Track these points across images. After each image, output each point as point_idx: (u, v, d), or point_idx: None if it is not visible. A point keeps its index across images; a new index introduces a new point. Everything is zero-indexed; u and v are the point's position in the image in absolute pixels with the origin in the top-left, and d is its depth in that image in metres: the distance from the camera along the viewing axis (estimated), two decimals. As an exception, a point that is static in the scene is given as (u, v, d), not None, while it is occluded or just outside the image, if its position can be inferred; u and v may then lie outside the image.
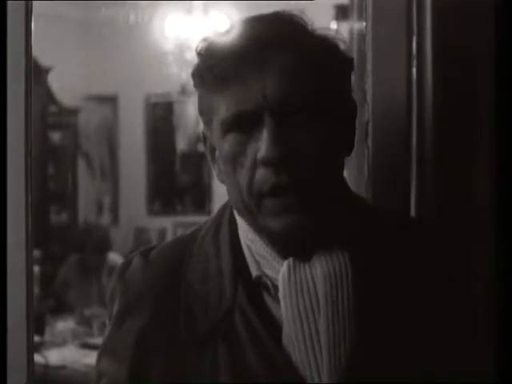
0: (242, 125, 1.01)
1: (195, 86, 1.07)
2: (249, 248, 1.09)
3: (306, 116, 1.01)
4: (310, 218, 1.02)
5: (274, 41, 1.01)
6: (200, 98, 1.07)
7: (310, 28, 1.05)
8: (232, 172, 1.03)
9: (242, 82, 1.00)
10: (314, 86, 1.01)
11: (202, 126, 1.11)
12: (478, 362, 1.11)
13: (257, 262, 1.08)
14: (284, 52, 1.00)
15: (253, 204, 1.02)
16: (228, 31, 1.04)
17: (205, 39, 1.07)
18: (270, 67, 1.00)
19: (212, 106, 1.04)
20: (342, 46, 1.07)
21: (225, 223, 1.13)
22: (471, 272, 1.19)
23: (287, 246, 1.05)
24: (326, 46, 1.05)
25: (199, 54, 1.06)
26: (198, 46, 1.07)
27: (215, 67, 1.01)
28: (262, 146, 0.99)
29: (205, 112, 1.07)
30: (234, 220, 1.12)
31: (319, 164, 1.02)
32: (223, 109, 1.02)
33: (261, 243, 1.07)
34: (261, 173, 1.00)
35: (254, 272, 1.08)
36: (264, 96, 0.99)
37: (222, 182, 1.10)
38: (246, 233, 1.09)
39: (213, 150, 1.10)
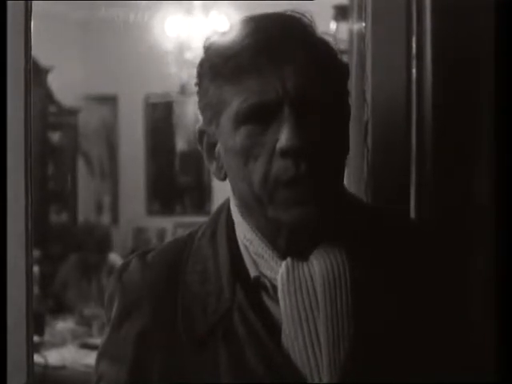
0: (259, 116, 1.01)
1: (204, 79, 1.06)
2: (246, 248, 1.09)
3: (320, 111, 1.02)
4: (319, 210, 1.02)
5: (287, 37, 1.02)
6: (207, 92, 1.06)
7: (314, 29, 1.07)
8: (242, 164, 1.03)
9: (259, 73, 1.00)
10: (325, 84, 1.03)
11: (199, 124, 1.11)
12: (478, 361, 1.11)
13: (255, 263, 1.08)
14: (297, 48, 1.02)
15: (265, 195, 1.02)
16: (239, 27, 1.05)
17: (215, 34, 1.08)
18: (287, 60, 1.01)
19: (224, 99, 1.04)
20: (338, 52, 1.09)
21: (222, 224, 1.13)
22: (471, 271, 1.19)
23: (288, 240, 1.05)
24: (329, 48, 1.07)
25: (210, 47, 1.06)
26: (207, 40, 1.08)
27: (231, 59, 1.02)
28: (282, 136, 1.00)
29: (213, 105, 1.06)
30: (231, 221, 1.12)
31: (333, 157, 1.04)
32: (238, 100, 1.02)
33: (259, 243, 1.07)
34: (279, 163, 1.00)
35: (253, 272, 1.08)
36: (284, 88, 1.00)
37: (221, 179, 1.10)
38: (243, 233, 1.09)
39: (212, 146, 1.09)
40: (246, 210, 1.08)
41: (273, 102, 1.00)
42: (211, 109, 1.06)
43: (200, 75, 1.08)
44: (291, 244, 1.05)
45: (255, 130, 1.02)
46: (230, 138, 1.04)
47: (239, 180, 1.05)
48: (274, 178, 1.01)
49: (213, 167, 1.11)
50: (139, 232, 6.40)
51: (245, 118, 1.02)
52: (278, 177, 1.01)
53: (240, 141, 1.02)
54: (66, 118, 6.14)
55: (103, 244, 4.99)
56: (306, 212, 1.01)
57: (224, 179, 1.10)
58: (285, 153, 1.00)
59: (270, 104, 1.00)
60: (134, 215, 6.43)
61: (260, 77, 1.01)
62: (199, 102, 1.09)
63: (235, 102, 1.02)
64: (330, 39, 1.08)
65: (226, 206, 1.14)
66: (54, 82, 5.70)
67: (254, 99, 1.01)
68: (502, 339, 1.15)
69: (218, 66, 1.03)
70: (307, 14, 1.07)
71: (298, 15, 1.07)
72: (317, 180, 1.01)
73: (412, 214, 1.34)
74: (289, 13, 1.07)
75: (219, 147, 1.08)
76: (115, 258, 4.85)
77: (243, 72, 1.01)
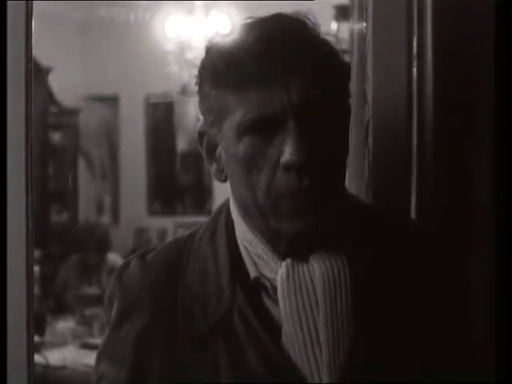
0: (263, 127, 1.00)
1: (206, 82, 1.05)
2: (246, 249, 1.09)
3: (323, 118, 1.01)
4: (321, 219, 1.02)
5: (291, 45, 1.00)
6: (209, 96, 1.05)
7: (318, 32, 1.05)
8: (245, 173, 1.02)
9: (263, 84, 0.99)
10: (328, 87, 1.02)
11: (200, 124, 1.09)
12: (478, 361, 1.11)
13: (254, 263, 1.08)
14: (302, 57, 1.00)
15: (269, 206, 1.02)
16: (242, 30, 1.03)
17: (217, 35, 1.06)
18: (292, 70, 0.99)
19: (226, 106, 1.02)
20: (340, 52, 1.08)
21: (221, 225, 1.13)
22: (471, 271, 1.19)
23: (288, 246, 1.05)
24: (331, 49, 1.06)
25: (212, 48, 1.05)
26: (209, 41, 1.06)
27: (234, 67, 1.00)
28: (285, 150, 0.99)
29: (215, 110, 1.04)
30: (231, 221, 1.12)
31: (335, 167, 1.04)
32: (241, 110, 1.00)
33: (259, 244, 1.07)
34: (282, 176, 1.00)
35: (252, 273, 1.07)
36: (289, 99, 0.99)
37: (221, 180, 1.09)
38: (243, 234, 1.09)
39: (213, 148, 1.08)
40: (247, 215, 1.07)
41: (277, 113, 0.99)
42: (213, 113, 1.05)
43: (201, 77, 1.06)
44: (291, 248, 1.05)
45: (258, 141, 1.00)
46: (232, 146, 1.03)
47: (242, 187, 1.04)
48: (277, 190, 1.00)
49: (213, 169, 1.10)
50: (140, 232, 6.40)
51: (248, 129, 1.00)
52: (280, 189, 1.00)
53: (243, 150, 1.01)
54: (66, 118, 6.14)
55: (104, 244, 5.01)
56: (307, 222, 1.01)
57: (224, 181, 1.09)
58: (288, 167, 0.99)
59: (274, 116, 0.99)
60: (135, 215, 6.43)
61: (264, 87, 0.99)
62: (200, 103, 1.08)
63: (238, 113, 1.01)
64: (332, 39, 1.07)
65: (225, 206, 1.14)
66: (54, 82, 5.70)
67: (257, 111, 0.99)
68: (502, 339, 1.15)
69: (221, 73, 1.02)
70: (311, 17, 1.05)
71: (302, 19, 1.05)
72: (319, 191, 1.01)
73: (412, 214, 1.34)
74: (294, 16, 1.05)
75: (220, 149, 1.07)
76: (115, 258, 4.86)
77: (246, 81, 0.99)
